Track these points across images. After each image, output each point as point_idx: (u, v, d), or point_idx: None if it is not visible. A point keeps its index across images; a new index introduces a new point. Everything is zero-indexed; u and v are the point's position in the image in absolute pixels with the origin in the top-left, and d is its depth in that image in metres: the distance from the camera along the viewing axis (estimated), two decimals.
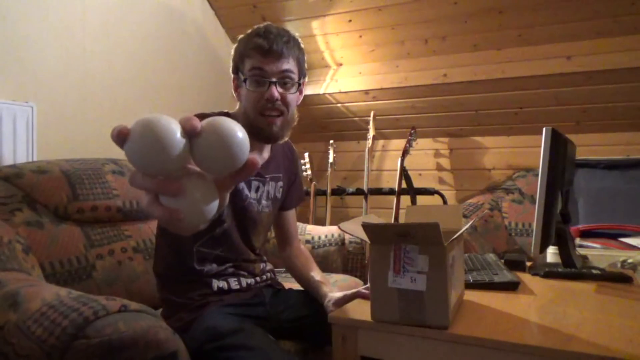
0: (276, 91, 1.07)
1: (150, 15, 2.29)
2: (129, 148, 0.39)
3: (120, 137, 0.39)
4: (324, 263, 1.82)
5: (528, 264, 1.35)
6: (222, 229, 1.13)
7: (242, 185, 1.14)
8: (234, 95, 1.17)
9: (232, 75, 1.16)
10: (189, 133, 0.40)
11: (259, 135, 1.11)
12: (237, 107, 1.18)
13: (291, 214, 1.37)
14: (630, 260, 1.37)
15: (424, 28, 2.52)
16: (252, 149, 1.20)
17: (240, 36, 1.13)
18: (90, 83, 2.00)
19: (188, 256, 1.12)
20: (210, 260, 1.14)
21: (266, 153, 1.22)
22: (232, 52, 1.15)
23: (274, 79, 1.07)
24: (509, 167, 2.81)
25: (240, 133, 0.41)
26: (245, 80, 1.09)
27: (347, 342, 0.88)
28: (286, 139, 1.20)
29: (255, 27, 1.11)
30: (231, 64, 1.15)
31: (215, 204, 0.43)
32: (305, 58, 1.18)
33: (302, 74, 1.15)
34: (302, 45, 1.16)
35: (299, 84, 1.13)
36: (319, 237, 1.92)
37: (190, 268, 1.12)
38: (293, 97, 1.13)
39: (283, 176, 1.27)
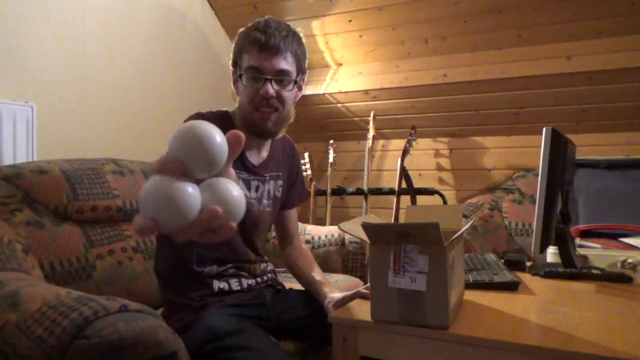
0: (271, 88, 1.07)
1: (150, 15, 2.29)
2: (164, 225, 0.40)
3: (155, 227, 0.40)
4: (324, 263, 1.82)
5: (528, 264, 1.35)
6: None
7: (240, 185, 1.14)
8: (233, 88, 1.17)
9: (232, 69, 1.15)
10: (180, 172, 0.41)
11: (253, 129, 1.11)
12: (237, 102, 1.18)
13: (292, 212, 1.37)
14: (630, 260, 1.37)
15: (424, 28, 2.52)
16: (250, 146, 1.20)
17: (241, 29, 1.12)
18: (90, 83, 2.00)
19: (188, 258, 1.12)
20: (211, 261, 1.14)
21: (265, 152, 1.22)
22: (233, 45, 1.14)
23: (269, 77, 1.07)
24: (509, 167, 2.81)
25: (195, 125, 0.41)
26: (241, 76, 1.09)
27: (347, 342, 0.88)
28: (281, 135, 1.20)
29: (257, 20, 1.10)
30: (231, 56, 1.15)
31: (241, 194, 0.44)
32: (307, 54, 1.16)
33: (301, 70, 1.14)
34: (303, 41, 1.14)
35: (296, 82, 1.12)
36: (319, 237, 1.92)
37: (190, 269, 1.12)
38: (289, 95, 1.11)
39: (283, 175, 1.27)
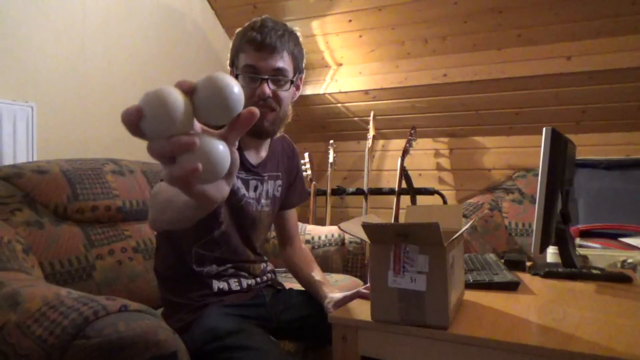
0: (268, 88, 1.06)
1: (150, 15, 2.29)
2: (143, 124, 0.42)
3: (137, 115, 0.41)
4: (324, 263, 1.82)
5: (528, 264, 1.35)
6: (221, 231, 1.12)
7: (239, 185, 1.14)
8: None
9: (229, 69, 1.15)
10: (186, 90, 0.43)
11: (251, 129, 1.10)
12: None
13: (292, 213, 1.37)
14: (630, 260, 1.37)
15: (424, 28, 2.52)
16: (248, 145, 1.20)
17: (238, 29, 1.12)
18: (90, 83, 2.00)
19: (187, 258, 1.12)
20: (210, 261, 1.14)
21: (264, 152, 1.21)
22: (231, 44, 1.14)
23: (266, 76, 1.06)
24: (509, 167, 2.81)
25: (229, 79, 0.44)
26: (237, 76, 1.09)
27: (347, 342, 0.88)
28: (279, 134, 1.19)
29: (253, 19, 1.10)
30: (229, 56, 1.14)
31: (226, 156, 0.46)
32: (305, 53, 1.16)
33: (297, 69, 1.13)
34: (300, 39, 1.14)
35: (292, 81, 1.11)
36: (319, 237, 1.92)
37: (190, 269, 1.12)
38: (286, 94, 1.11)
39: (282, 175, 1.27)
